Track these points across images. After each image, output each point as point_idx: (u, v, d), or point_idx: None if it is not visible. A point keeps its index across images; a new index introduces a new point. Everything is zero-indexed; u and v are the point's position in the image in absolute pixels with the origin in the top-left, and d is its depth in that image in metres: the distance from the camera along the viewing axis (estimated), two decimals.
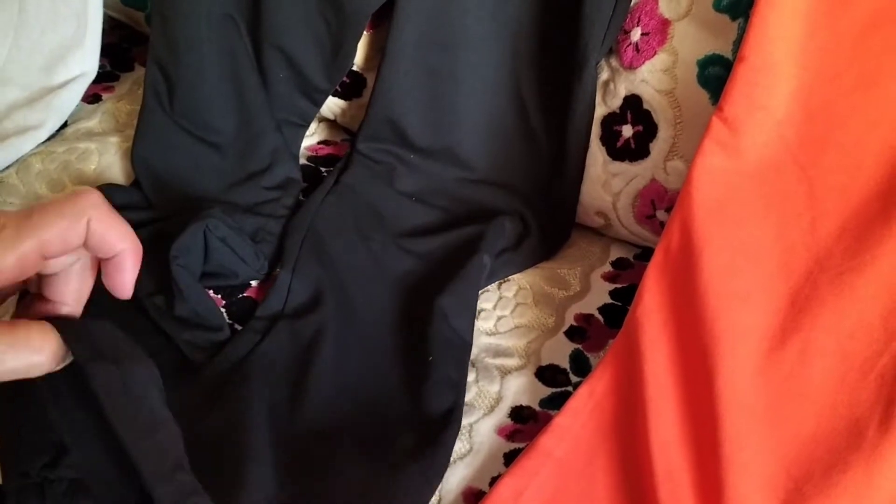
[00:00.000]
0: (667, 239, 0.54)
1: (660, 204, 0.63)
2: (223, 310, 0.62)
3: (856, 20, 0.49)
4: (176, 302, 0.57)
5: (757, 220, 0.51)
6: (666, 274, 0.54)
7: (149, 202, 0.69)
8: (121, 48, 0.90)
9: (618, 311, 0.64)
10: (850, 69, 0.50)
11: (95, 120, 0.80)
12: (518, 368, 0.60)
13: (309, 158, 0.79)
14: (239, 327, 0.61)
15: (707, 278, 0.51)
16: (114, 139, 0.76)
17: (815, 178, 0.50)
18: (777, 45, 0.50)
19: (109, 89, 0.84)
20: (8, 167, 0.73)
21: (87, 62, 0.79)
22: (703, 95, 0.57)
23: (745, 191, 0.52)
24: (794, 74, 0.50)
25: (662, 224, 0.64)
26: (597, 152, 0.65)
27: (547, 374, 0.60)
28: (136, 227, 0.66)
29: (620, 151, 0.64)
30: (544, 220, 0.67)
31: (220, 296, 0.63)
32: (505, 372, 0.60)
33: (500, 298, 0.66)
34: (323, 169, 0.77)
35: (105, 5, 0.80)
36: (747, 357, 0.49)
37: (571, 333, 0.63)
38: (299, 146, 0.77)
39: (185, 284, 0.57)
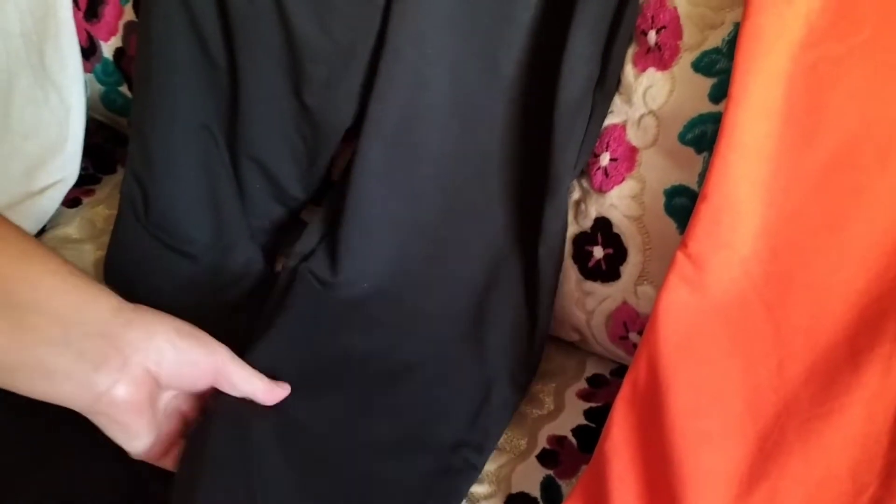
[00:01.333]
0: (634, 372, 0.53)
1: (632, 327, 0.62)
2: None
3: (818, 161, 0.49)
4: None
5: (723, 359, 0.51)
6: (634, 408, 0.53)
7: None
8: (104, 149, 0.91)
9: (592, 433, 0.63)
10: (815, 209, 0.49)
11: (73, 226, 0.80)
12: (487, 497, 0.59)
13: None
14: None
15: (674, 417, 0.50)
16: (89, 247, 0.76)
17: (781, 319, 0.50)
18: (740, 184, 0.50)
19: (90, 192, 0.85)
20: None
21: (67, 168, 0.80)
22: (671, 224, 0.57)
23: (711, 327, 0.51)
24: (758, 213, 0.50)
25: (635, 345, 0.63)
26: (570, 270, 0.65)
27: (517, 503, 0.58)
28: None
29: (592, 271, 0.63)
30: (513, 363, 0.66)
31: None
32: (474, 501, 0.58)
33: None
34: None
35: (89, 108, 0.81)
36: (714, 503, 0.47)
37: (543, 457, 0.61)
38: (274, 256, 0.77)
39: None
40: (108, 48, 0.77)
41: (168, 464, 0.51)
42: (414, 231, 0.66)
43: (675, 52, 0.56)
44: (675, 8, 0.55)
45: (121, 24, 0.75)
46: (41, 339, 0.42)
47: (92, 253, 0.75)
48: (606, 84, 0.59)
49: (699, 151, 0.55)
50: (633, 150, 0.59)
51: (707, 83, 0.54)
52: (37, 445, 0.58)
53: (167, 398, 0.51)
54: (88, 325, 0.43)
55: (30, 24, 0.78)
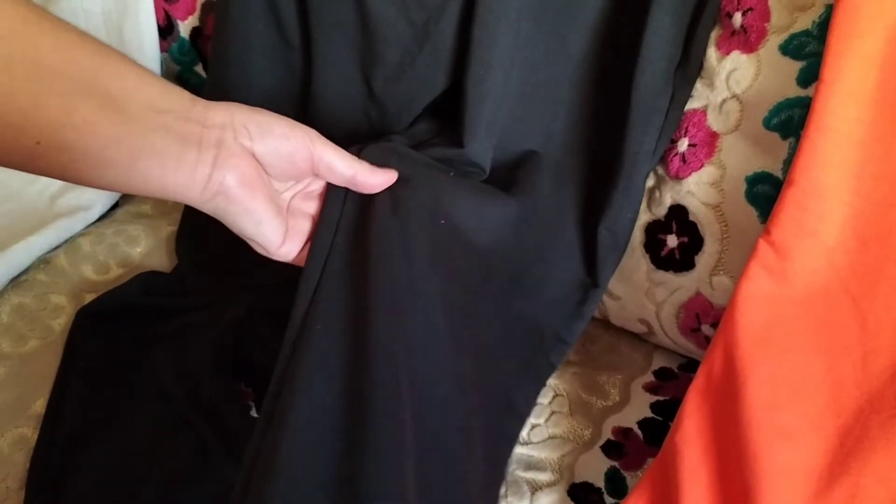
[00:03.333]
0: (709, 363, 0.52)
1: (705, 318, 0.60)
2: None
3: None
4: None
5: (804, 351, 0.49)
6: (708, 400, 0.51)
7: (186, 290, 0.69)
8: None
9: (658, 426, 0.61)
10: None
11: (148, 203, 0.81)
12: (550, 485, 0.58)
13: None
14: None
15: (750, 410, 0.48)
16: (162, 223, 0.77)
17: (867, 312, 0.48)
18: (828, 170, 0.48)
19: None
20: (57, 247, 0.75)
21: None
22: (752, 213, 0.55)
23: (793, 318, 0.49)
24: (846, 201, 0.48)
25: (707, 339, 0.61)
26: (640, 259, 0.63)
27: (580, 492, 0.57)
28: (169, 314, 0.67)
29: (664, 261, 0.62)
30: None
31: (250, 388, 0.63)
32: (536, 488, 0.57)
33: (536, 405, 0.64)
34: None
35: None
36: (791, 499, 0.46)
37: (608, 448, 0.60)
38: None
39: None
40: (184, 27, 0.78)
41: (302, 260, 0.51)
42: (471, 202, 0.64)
43: (762, 34, 0.54)
44: None
45: (198, 3, 0.76)
46: (148, 126, 0.42)
47: (164, 229, 0.77)
48: (689, 67, 0.58)
49: (784, 137, 0.53)
50: (713, 136, 0.58)
51: (795, 66, 0.52)
52: (107, 411, 0.60)
53: (285, 194, 0.52)
54: (177, 111, 0.44)
55: (111, 3, 0.79)
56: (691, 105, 0.59)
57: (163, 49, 0.81)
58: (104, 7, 0.80)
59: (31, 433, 0.59)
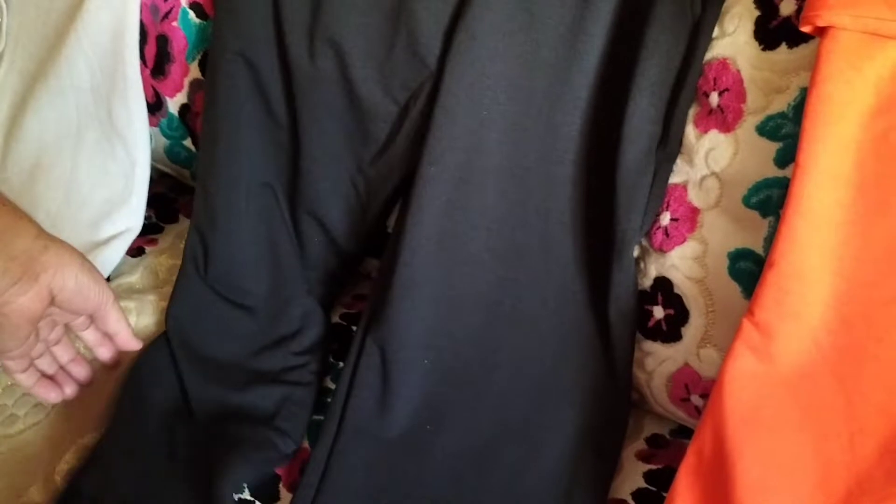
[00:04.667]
0: (699, 441, 0.52)
1: (694, 389, 0.61)
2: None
3: (891, 230, 0.48)
4: None
5: (793, 431, 0.49)
6: (699, 480, 0.52)
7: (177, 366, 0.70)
8: (167, 198, 0.93)
9: (652, 498, 0.62)
10: (888, 279, 0.48)
11: (137, 275, 0.82)
12: None
13: (342, 315, 0.79)
14: None
15: (741, 492, 0.48)
16: (152, 297, 0.78)
17: (852, 392, 0.48)
18: (809, 252, 0.49)
19: (153, 242, 0.86)
20: None
21: (132, 219, 0.81)
22: (735, 288, 0.56)
23: (780, 398, 0.50)
24: (828, 282, 0.49)
25: (697, 409, 0.62)
26: None
27: None
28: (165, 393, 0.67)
29: (652, 331, 0.63)
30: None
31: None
32: None
33: None
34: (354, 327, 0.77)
35: (153, 160, 0.83)
36: None
37: None
38: (331, 306, 0.78)
39: None
40: (173, 104, 0.79)
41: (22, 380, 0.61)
42: (471, 301, 0.65)
43: (739, 114, 0.55)
44: (739, 71, 0.55)
45: (186, 81, 0.77)
46: None
47: (155, 303, 0.77)
48: (669, 145, 0.59)
49: (764, 216, 0.54)
50: (694, 211, 0.59)
51: (772, 147, 0.53)
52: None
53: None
54: (12, 247, 0.53)
55: (99, 79, 0.80)
56: (672, 180, 0.60)
57: (152, 124, 0.82)
58: (93, 84, 0.81)
59: None
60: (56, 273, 0.55)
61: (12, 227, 0.54)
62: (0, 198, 0.55)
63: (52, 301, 0.56)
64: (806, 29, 0.49)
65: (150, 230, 0.88)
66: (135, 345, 0.64)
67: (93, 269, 0.59)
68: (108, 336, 0.64)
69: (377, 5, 0.64)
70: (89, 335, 0.64)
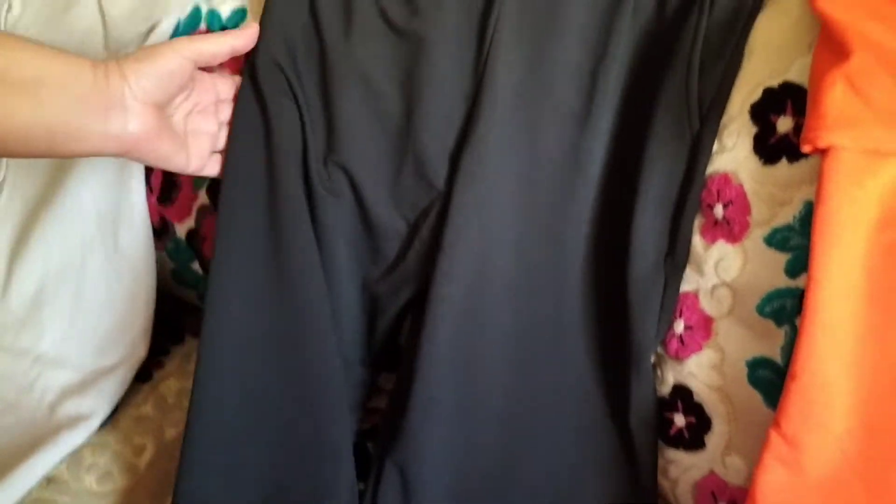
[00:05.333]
0: None
1: (721, 496, 0.61)
2: None
3: None
4: None
5: None
6: None
7: None
8: (173, 319, 0.93)
9: None
10: None
11: (148, 405, 0.81)
12: None
13: (357, 433, 0.79)
14: None
15: None
16: (164, 424, 0.77)
17: (882, 496, 0.49)
18: (829, 363, 0.50)
19: (159, 364, 0.86)
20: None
21: (137, 345, 0.82)
22: (756, 395, 0.57)
23: None
24: (849, 390, 0.50)
25: None
26: None
27: None
28: None
29: (674, 439, 0.63)
30: None
31: None
32: None
33: None
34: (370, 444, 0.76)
35: (160, 283, 0.83)
36: None
37: None
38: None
39: None
40: (180, 229, 0.80)
41: (213, 171, 0.66)
42: (488, 416, 0.65)
43: (745, 226, 0.57)
44: (741, 185, 0.57)
45: (194, 206, 0.78)
46: (58, 105, 0.52)
47: (168, 431, 0.76)
48: (677, 256, 0.60)
49: (779, 325, 0.55)
50: (708, 320, 0.60)
51: (782, 258, 0.55)
52: None
53: (177, 118, 0.62)
54: (80, 84, 0.53)
55: (104, 208, 0.81)
56: (683, 288, 0.61)
57: (159, 248, 0.82)
58: (98, 210, 0.81)
59: None
60: (130, 86, 0.55)
61: (69, 67, 0.54)
62: (39, 44, 0.54)
63: (156, 104, 0.58)
64: (807, 149, 0.51)
65: (156, 352, 0.87)
66: (252, 32, 0.65)
67: (151, 52, 0.58)
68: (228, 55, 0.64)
69: (384, 131, 0.66)
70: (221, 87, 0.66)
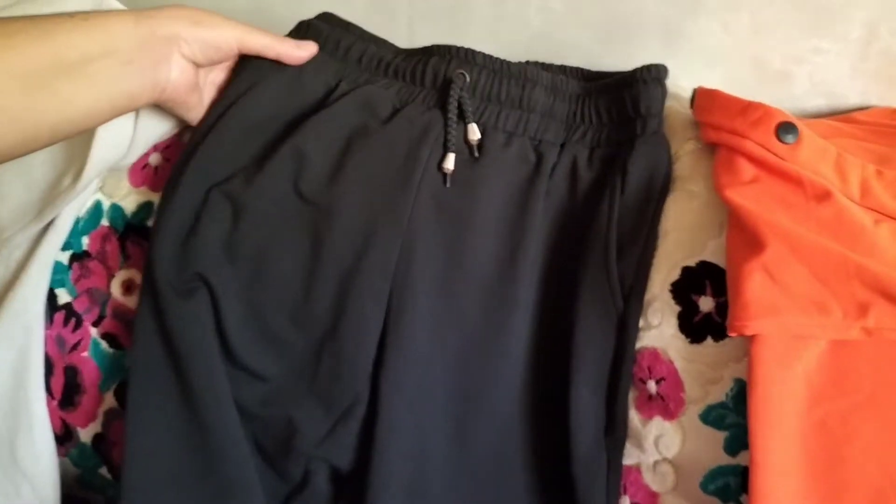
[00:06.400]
0: None
1: None
2: None
3: None
4: None
5: None
6: None
7: None
8: None
9: None
10: None
11: None
12: None
13: None
14: None
15: None
16: None
17: None
18: None
19: None
20: None
21: None
22: None
23: None
24: None
25: None
26: None
27: None
28: None
29: None
30: None
31: None
32: None
33: None
34: None
35: (65, 486, 0.76)
36: None
37: None
38: None
39: None
40: (85, 434, 0.74)
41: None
42: None
43: (680, 403, 0.58)
44: (672, 361, 0.58)
45: (100, 411, 0.73)
46: (111, 77, 0.55)
47: None
48: (616, 432, 0.60)
49: (725, 501, 0.56)
50: (653, 495, 0.60)
51: (720, 436, 0.56)
52: None
53: (203, 76, 0.65)
54: (127, 47, 0.55)
55: (0, 419, 0.75)
56: (626, 461, 0.61)
57: (61, 454, 0.76)
58: None
59: None
60: (182, 47, 0.59)
61: (113, 32, 0.55)
62: (80, 16, 0.54)
63: (196, 64, 0.61)
64: (733, 335, 0.53)
65: None
66: (307, 51, 0.66)
67: (206, 18, 0.61)
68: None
69: (296, 348, 0.64)
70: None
